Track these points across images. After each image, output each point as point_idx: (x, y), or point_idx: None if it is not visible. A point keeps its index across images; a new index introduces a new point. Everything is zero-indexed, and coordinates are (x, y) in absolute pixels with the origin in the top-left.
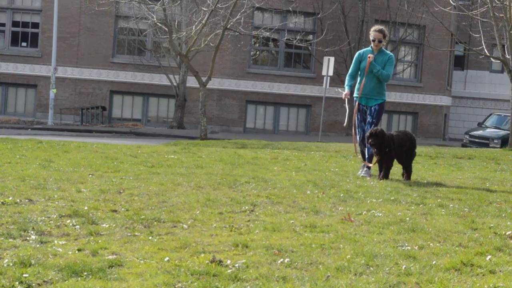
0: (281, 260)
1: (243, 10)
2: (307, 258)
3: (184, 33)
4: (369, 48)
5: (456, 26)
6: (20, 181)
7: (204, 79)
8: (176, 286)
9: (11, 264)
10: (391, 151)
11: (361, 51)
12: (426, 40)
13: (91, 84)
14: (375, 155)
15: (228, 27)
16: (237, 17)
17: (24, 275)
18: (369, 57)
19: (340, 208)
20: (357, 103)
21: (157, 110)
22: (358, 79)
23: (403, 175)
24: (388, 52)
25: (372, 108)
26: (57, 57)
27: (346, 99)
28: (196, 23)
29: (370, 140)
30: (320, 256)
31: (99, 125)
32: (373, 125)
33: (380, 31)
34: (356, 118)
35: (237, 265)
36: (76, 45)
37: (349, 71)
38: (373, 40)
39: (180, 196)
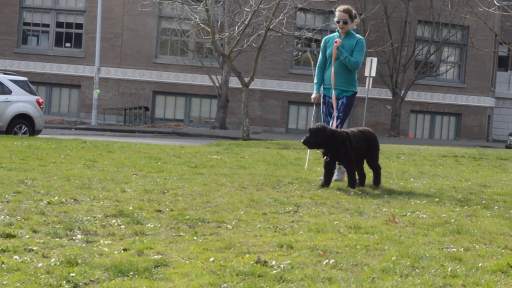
0: (326, 261)
1: (286, 10)
2: (352, 259)
3: (227, 33)
4: (336, 32)
5: (500, 26)
6: (65, 180)
7: (246, 79)
8: (222, 287)
9: (58, 263)
10: (349, 152)
11: (327, 36)
12: (469, 41)
13: (134, 84)
14: (323, 157)
15: (270, 27)
16: (280, 17)
17: (71, 274)
18: (335, 42)
19: (384, 209)
20: (322, 95)
21: (199, 111)
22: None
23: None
24: (357, 35)
25: (340, 101)
26: (101, 57)
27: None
28: (238, 24)
29: (305, 138)
30: (365, 258)
31: (142, 125)
32: (338, 120)
33: (346, 10)
34: (322, 111)
35: (282, 266)
36: (119, 46)
37: (318, 62)
38: (338, 22)
39: (224, 197)
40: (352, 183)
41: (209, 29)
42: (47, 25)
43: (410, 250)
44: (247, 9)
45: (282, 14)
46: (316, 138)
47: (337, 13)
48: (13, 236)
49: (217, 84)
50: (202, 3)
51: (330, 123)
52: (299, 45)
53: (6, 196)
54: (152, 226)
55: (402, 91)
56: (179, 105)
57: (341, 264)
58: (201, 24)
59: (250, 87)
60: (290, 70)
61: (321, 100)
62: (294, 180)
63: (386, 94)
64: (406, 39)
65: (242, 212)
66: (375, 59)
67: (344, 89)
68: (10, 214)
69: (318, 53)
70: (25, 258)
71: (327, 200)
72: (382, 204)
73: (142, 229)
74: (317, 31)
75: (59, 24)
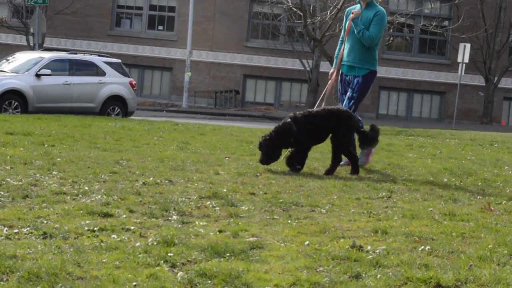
0: (422, 247)
1: None
2: (448, 247)
3: (319, 18)
4: (358, 4)
5: None
6: (159, 162)
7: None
8: (318, 270)
9: (155, 243)
10: (303, 139)
11: (350, 8)
12: None
13: (225, 68)
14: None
15: None
16: None
17: (169, 254)
18: (351, 13)
19: (478, 197)
20: (340, 73)
21: (290, 95)
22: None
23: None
24: (378, 7)
25: (355, 80)
26: (193, 40)
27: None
28: (331, 8)
29: (259, 159)
30: (461, 245)
31: (232, 109)
32: (352, 101)
33: None
34: (338, 89)
35: (377, 251)
36: (211, 29)
37: (341, 35)
38: None
39: (317, 181)
40: (297, 166)
41: (301, 13)
42: (140, 8)
43: (507, 238)
44: None
45: None
46: (267, 150)
47: None
48: (111, 216)
49: (307, 69)
50: None
51: (344, 103)
52: (391, 30)
53: (103, 176)
54: (246, 208)
55: (496, 78)
56: (269, 89)
57: (437, 251)
58: (293, 8)
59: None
60: (381, 55)
61: (339, 77)
62: (386, 165)
63: (479, 80)
64: (500, 24)
65: (335, 197)
66: (468, 45)
67: (358, 66)
68: (107, 193)
69: (411, 38)
70: (123, 237)
71: (420, 186)
72: (476, 191)
73: (236, 211)
74: (410, 16)
75: (152, 7)
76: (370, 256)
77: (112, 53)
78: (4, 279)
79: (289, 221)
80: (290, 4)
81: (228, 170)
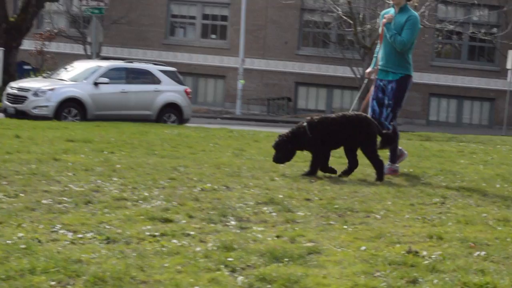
0: (477, 253)
1: (428, 3)
2: (503, 252)
3: (369, 26)
4: (392, 8)
5: None
6: (215, 168)
7: None
8: (375, 275)
9: (215, 248)
10: (315, 144)
11: (384, 11)
12: None
13: (277, 75)
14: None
15: None
16: (421, 10)
17: (229, 259)
18: (384, 18)
19: None
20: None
21: (341, 102)
22: None
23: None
24: (411, 11)
25: (389, 86)
26: (245, 49)
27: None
28: None
29: (273, 157)
30: None
31: (285, 116)
32: (389, 108)
33: None
34: (371, 93)
35: (433, 256)
36: (262, 38)
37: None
38: None
39: (371, 187)
40: (311, 171)
41: (351, 21)
42: (194, 17)
43: None
44: (389, 2)
45: (423, 7)
46: (282, 150)
47: None
48: (171, 221)
49: (358, 76)
50: None
51: (376, 111)
52: (440, 38)
53: (161, 182)
54: (302, 214)
55: None
56: (321, 96)
57: (492, 257)
58: (343, 16)
59: None
60: (431, 63)
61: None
62: (439, 172)
63: None
64: None
65: (389, 203)
66: None
67: (392, 71)
68: (166, 199)
69: (460, 46)
70: (183, 242)
71: (473, 192)
72: None
73: (293, 217)
74: (458, 24)
75: (205, 16)
76: (426, 262)
77: (167, 61)
78: (71, 283)
79: (345, 227)
80: (340, 12)
81: (283, 176)
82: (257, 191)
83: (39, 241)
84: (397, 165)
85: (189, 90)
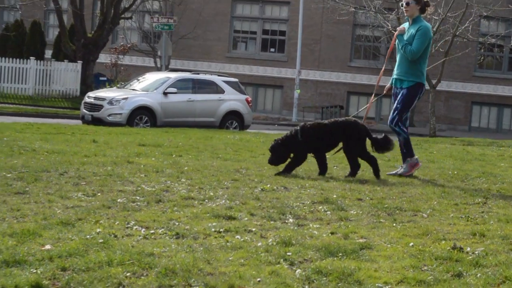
0: None
1: (471, 18)
2: None
3: None
4: (407, 20)
5: None
6: (275, 170)
7: (433, 81)
8: (423, 269)
9: (275, 243)
10: (301, 149)
11: (403, 24)
12: None
13: (330, 85)
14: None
15: (457, 34)
16: (465, 25)
17: (288, 253)
18: (397, 30)
19: None
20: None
21: (389, 109)
22: None
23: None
24: (422, 22)
25: (401, 92)
26: (301, 61)
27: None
28: None
29: (268, 159)
30: None
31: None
32: (396, 111)
33: None
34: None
35: (476, 252)
36: (317, 51)
37: None
38: (401, 5)
39: (418, 188)
40: (286, 170)
41: None
42: (255, 33)
43: None
44: (435, 17)
45: (468, 22)
46: (276, 153)
47: None
48: (234, 218)
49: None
50: (394, 12)
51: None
52: (482, 50)
53: (225, 183)
54: (354, 212)
55: None
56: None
57: None
58: (392, 31)
59: (436, 88)
60: (473, 73)
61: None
62: (481, 174)
63: None
64: None
65: (435, 202)
66: None
67: (403, 78)
68: (229, 199)
69: (501, 57)
70: (246, 237)
71: None
72: None
73: (346, 215)
74: (500, 37)
75: (265, 32)
76: (470, 257)
77: (229, 73)
78: (145, 274)
79: (394, 224)
80: (389, 27)
81: (337, 177)
82: (312, 191)
83: (115, 236)
84: (415, 157)
85: (249, 99)
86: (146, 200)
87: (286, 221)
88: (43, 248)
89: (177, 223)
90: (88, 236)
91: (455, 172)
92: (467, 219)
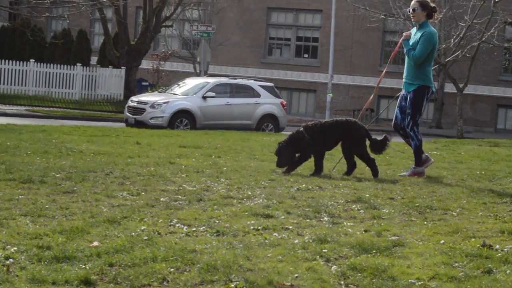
0: None
1: (496, 24)
2: None
3: (444, 45)
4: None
5: None
6: (309, 171)
7: (461, 85)
8: (454, 266)
9: (311, 241)
10: (309, 145)
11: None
12: None
13: (361, 89)
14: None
15: (483, 40)
16: (491, 31)
17: (323, 250)
18: (403, 35)
19: None
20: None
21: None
22: None
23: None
24: (427, 27)
25: (409, 96)
26: (334, 66)
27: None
28: (454, 37)
29: (276, 162)
30: None
31: (368, 124)
32: (409, 116)
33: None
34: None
35: (505, 249)
36: (349, 56)
37: None
38: (408, 11)
39: (447, 187)
40: (317, 171)
41: None
42: (289, 39)
43: None
44: (462, 24)
45: (493, 28)
46: (283, 155)
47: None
48: (271, 217)
49: (433, 89)
50: None
51: (398, 117)
52: (507, 55)
53: (262, 182)
54: (387, 211)
55: None
56: None
57: None
58: None
59: (463, 92)
60: (499, 77)
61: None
62: (508, 174)
63: None
64: None
65: (464, 201)
66: None
67: (410, 82)
68: (267, 198)
69: None
70: (283, 235)
71: None
72: None
73: (378, 214)
74: None
75: (299, 38)
76: (499, 254)
77: (265, 78)
78: (187, 270)
79: (425, 223)
80: None
81: (369, 178)
82: (346, 191)
83: (159, 233)
84: (422, 168)
85: (284, 102)
86: (188, 199)
87: (321, 219)
88: (91, 245)
89: (217, 221)
90: (133, 234)
91: (483, 172)
92: (496, 218)
